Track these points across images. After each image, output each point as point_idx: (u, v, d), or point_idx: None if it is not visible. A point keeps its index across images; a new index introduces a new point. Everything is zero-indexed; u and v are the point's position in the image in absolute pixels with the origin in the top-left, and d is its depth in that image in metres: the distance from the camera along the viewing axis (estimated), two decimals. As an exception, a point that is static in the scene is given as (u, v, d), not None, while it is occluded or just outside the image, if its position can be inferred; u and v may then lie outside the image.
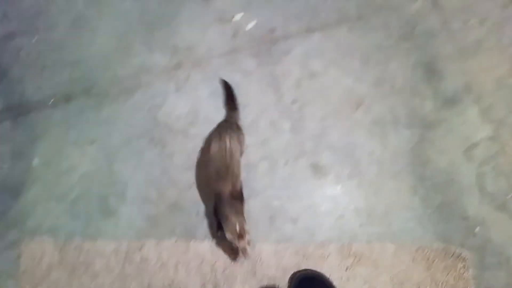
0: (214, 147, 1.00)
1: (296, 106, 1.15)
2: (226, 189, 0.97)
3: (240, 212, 0.97)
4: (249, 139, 1.12)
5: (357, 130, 1.12)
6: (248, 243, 0.94)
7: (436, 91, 1.12)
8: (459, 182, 1.06)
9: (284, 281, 1.01)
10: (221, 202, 0.96)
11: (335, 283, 0.97)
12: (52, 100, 1.19)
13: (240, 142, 1.04)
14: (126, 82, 1.20)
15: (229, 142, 0.99)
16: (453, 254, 1.01)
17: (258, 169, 1.11)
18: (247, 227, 0.95)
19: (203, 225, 1.07)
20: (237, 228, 0.92)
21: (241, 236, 0.92)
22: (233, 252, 1.02)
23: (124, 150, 1.14)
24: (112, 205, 1.10)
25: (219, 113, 1.15)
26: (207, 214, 1.07)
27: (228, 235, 0.93)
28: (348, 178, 1.09)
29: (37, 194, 1.12)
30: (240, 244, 0.93)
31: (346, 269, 1.02)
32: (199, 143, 1.13)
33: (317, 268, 1.00)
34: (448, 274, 1.00)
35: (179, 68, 1.21)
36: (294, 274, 0.99)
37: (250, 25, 1.23)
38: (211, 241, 1.05)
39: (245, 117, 1.14)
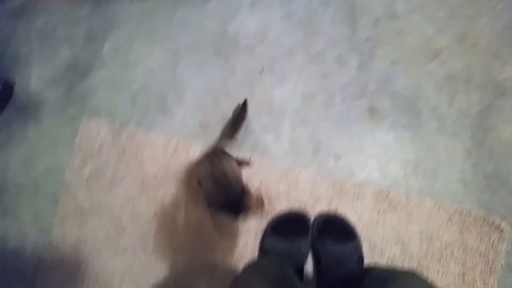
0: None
1: (369, 45, 1.11)
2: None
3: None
4: (312, 69, 1.11)
5: (426, 82, 1.08)
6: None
7: (520, 58, 1.05)
8: (518, 157, 1.01)
9: (313, 209, 1.02)
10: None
11: (365, 222, 0.99)
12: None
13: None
14: (206, -13, 1.21)
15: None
16: (492, 223, 0.97)
17: (314, 100, 1.10)
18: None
19: (249, 141, 1.09)
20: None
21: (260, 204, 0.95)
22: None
23: (189, 55, 1.17)
24: (170, 103, 1.14)
25: (289, 38, 1.13)
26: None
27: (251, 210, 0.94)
28: (404, 128, 1.06)
29: (102, 78, 1.17)
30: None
31: (378, 212, 1.01)
32: (262, 64, 1.13)
33: (349, 206, 1.01)
34: (480, 241, 0.97)
35: (258, -16, 1.20)
36: (319, 215, 1.01)
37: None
38: (250, 156, 1.07)
39: (312, 46, 1.13)
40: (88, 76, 1.18)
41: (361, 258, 0.96)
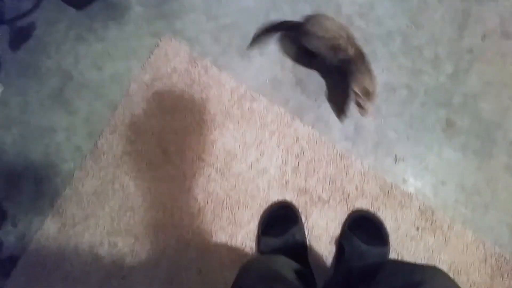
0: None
1: (470, 56, 1.05)
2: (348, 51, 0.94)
3: (369, 70, 0.94)
4: (404, 60, 1.06)
5: (512, 114, 1.01)
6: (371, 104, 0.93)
7: None
8: None
9: (354, 203, 1.02)
10: (348, 63, 0.94)
11: (400, 233, 0.99)
12: None
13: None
14: None
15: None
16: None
17: (395, 93, 1.06)
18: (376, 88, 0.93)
19: (315, 112, 1.07)
20: (367, 85, 0.91)
21: (368, 93, 0.91)
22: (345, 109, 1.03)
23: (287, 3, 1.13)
24: (251, 51, 1.12)
25: (392, 20, 1.10)
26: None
27: (356, 88, 0.92)
28: (474, 153, 1.02)
29: (195, 5, 1.15)
30: (365, 102, 0.92)
31: (417, 228, 1.00)
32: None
33: (391, 213, 1.00)
34: (508, 291, 0.96)
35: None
36: (358, 209, 1.01)
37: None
38: (311, 128, 1.06)
39: (413, 37, 1.07)
40: (182, -2, 1.16)
41: None
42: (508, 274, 0.96)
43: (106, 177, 1.10)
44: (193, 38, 1.14)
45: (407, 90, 1.06)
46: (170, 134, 1.10)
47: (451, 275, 0.94)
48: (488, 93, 1.03)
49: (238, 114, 1.10)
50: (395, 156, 1.04)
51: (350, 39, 0.95)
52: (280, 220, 0.99)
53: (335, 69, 1.01)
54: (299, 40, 1.04)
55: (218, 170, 1.07)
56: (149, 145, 1.10)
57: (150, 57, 1.15)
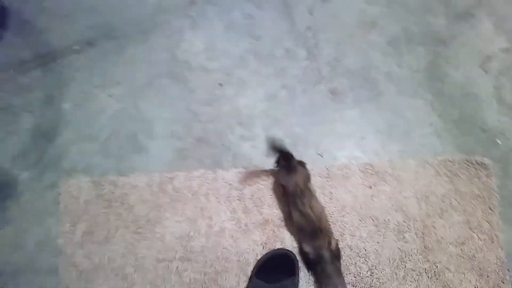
0: (296, 215, 0.97)
1: (311, 33, 1.17)
2: (324, 247, 0.94)
3: (340, 272, 0.94)
4: (267, 69, 1.15)
5: (372, 52, 1.14)
6: None
7: (448, 7, 1.12)
8: (477, 95, 1.08)
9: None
10: (324, 262, 0.93)
11: (360, 199, 1.03)
12: (76, 46, 1.22)
13: (311, 186, 1.01)
14: (144, 23, 1.23)
15: (309, 207, 0.96)
16: (475, 163, 1.03)
17: (278, 98, 1.14)
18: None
19: (229, 155, 1.11)
20: None
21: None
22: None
23: (148, 88, 1.18)
24: (142, 141, 1.15)
25: (237, 47, 1.18)
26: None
27: None
28: (367, 100, 1.12)
29: (70, 137, 1.16)
30: None
31: (370, 187, 1.05)
32: (219, 77, 1.16)
33: (342, 188, 1.04)
34: (472, 184, 1.02)
35: (194, 4, 1.23)
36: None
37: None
38: (234, 169, 1.09)
39: (260, 48, 1.17)
40: (55, 139, 1.16)
41: None
42: (459, 170, 1.03)
43: None
44: (87, 166, 1.14)
45: (285, 89, 1.14)
46: (118, 259, 1.06)
47: (421, 204, 1.00)
48: (343, 50, 1.16)
49: (167, 200, 1.10)
50: (313, 144, 1.09)
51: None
52: (277, 267, 0.97)
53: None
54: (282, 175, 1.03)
55: (182, 258, 1.05)
56: (107, 279, 1.05)
57: (59, 208, 1.12)
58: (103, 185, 1.13)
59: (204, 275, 1.03)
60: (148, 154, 1.14)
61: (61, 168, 1.15)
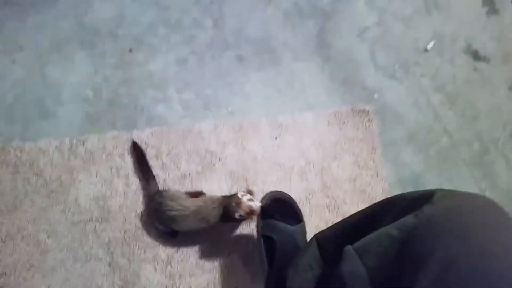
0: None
1: (215, 6, 1.27)
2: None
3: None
4: (176, 37, 1.23)
5: (271, 24, 1.29)
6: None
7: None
8: (357, 60, 1.28)
9: (223, 154, 1.14)
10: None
11: (268, 150, 1.15)
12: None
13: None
14: (48, -10, 1.21)
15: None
16: (358, 111, 1.22)
17: (188, 63, 1.22)
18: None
19: (142, 116, 1.15)
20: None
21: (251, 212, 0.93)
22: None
23: (54, 54, 1.16)
24: (49, 107, 1.12)
25: (145, 15, 1.23)
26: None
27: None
28: (269, 65, 1.25)
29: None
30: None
31: (276, 138, 1.18)
32: (129, 43, 1.20)
33: (253, 140, 1.16)
34: (357, 130, 1.20)
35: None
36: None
37: None
38: (150, 128, 1.14)
39: (169, 17, 1.24)
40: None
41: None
42: (346, 119, 1.21)
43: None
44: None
45: (194, 55, 1.22)
46: (30, 226, 1.03)
47: (319, 150, 1.15)
48: (245, 21, 1.27)
49: (79, 163, 1.09)
50: (224, 103, 1.20)
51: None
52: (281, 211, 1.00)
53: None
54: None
55: (100, 219, 1.06)
56: (19, 248, 1.02)
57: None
58: (8, 151, 1.07)
59: (125, 232, 1.05)
60: (57, 119, 1.12)
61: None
